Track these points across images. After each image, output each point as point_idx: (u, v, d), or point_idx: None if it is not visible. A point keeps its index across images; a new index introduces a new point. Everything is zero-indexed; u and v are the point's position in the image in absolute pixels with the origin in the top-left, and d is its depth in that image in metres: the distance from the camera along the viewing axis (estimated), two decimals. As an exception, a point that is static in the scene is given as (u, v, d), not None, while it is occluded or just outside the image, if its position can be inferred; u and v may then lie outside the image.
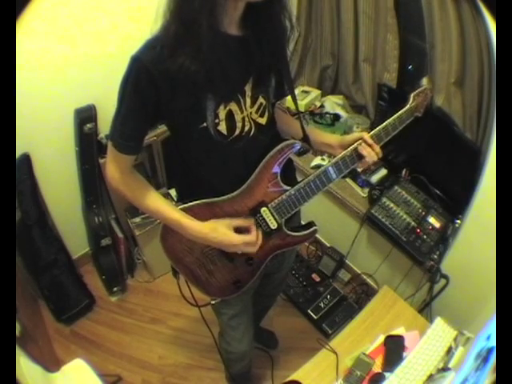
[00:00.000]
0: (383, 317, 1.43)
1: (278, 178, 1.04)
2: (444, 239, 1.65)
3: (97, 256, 2.22)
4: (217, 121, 0.93)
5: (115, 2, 1.77)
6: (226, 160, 1.01)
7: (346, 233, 2.03)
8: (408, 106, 1.12)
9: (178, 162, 1.10)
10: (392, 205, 1.75)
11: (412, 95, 1.14)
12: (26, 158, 1.86)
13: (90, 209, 2.11)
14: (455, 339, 1.26)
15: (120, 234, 2.19)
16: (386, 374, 1.21)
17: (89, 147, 1.96)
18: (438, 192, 1.75)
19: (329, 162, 1.06)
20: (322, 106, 2.24)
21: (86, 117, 1.90)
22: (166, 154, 2.13)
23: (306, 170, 1.92)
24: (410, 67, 1.97)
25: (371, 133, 1.07)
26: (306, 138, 1.12)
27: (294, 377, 1.28)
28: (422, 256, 1.62)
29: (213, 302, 1.23)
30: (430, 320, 1.51)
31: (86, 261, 2.35)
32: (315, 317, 2.04)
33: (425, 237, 1.66)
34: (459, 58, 1.60)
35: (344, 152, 1.05)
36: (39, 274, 2.02)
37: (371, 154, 1.06)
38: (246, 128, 0.99)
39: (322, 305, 2.07)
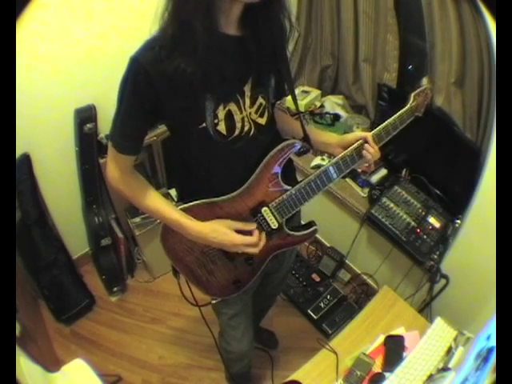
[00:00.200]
0: (383, 317, 1.43)
1: (279, 177, 1.04)
2: (444, 239, 1.65)
3: (97, 256, 2.22)
4: (216, 121, 0.93)
5: (115, 2, 1.77)
6: (226, 160, 1.01)
7: (346, 233, 2.03)
8: (408, 105, 1.12)
9: (177, 162, 1.11)
10: (392, 205, 1.75)
11: (412, 95, 1.14)
12: (26, 158, 1.86)
13: (90, 209, 2.12)
14: (455, 339, 1.26)
15: (120, 234, 2.19)
16: (386, 374, 1.20)
17: (89, 147, 1.96)
18: (438, 192, 1.75)
19: (329, 161, 1.06)
20: (322, 106, 2.24)
21: (85, 117, 1.90)
22: (166, 154, 2.13)
23: (306, 170, 1.92)
24: (410, 67, 1.97)
25: (372, 132, 1.07)
26: (306, 138, 1.12)
27: (293, 377, 1.28)
28: (422, 256, 1.62)
29: (213, 302, 1.23)
30: (430, 320, 1.51)
31: (86, 261, 2.35)
32: (315, 317, 2.04)
33: (425, 237, 1.66)
34: (459, 58, 1.60)
35: (344, 152, 1.05)
36: (39, 273, 2.02)
37: (372, 154, 1.06)
38: (246, 128, 0.99)
39: (322, 305, 2.07)
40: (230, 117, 0.95)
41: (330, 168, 1.04)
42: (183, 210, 1.03)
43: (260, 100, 1.00)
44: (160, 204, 1.02)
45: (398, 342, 1.31)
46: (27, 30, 1.58)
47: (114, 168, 0.99)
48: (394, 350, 1.29)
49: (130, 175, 1.02)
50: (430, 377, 1.16)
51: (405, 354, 1.26)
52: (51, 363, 1.77)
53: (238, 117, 0.96)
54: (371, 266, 2.06)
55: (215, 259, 1.11)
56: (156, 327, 2.15)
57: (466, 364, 1.04)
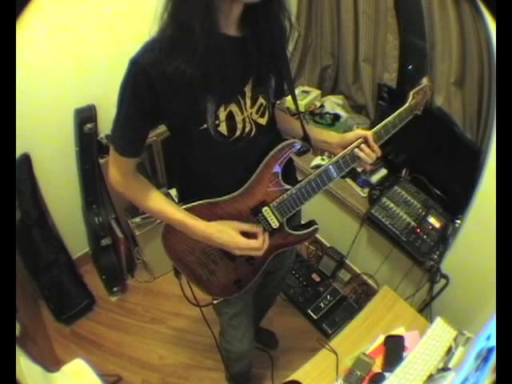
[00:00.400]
0: (383, 317, 1.43)
1: (279, 177, 1.04)
2: (444, 239, 1.65)
3: (97, 256, 2.22)
4: (217, 122, 0.93)
5: (116, 2, 1.77)
6: (226, 160, 1.01)
7: (346, 233, 2.03)
8: (407, 104, 1.12)
9: (178, 162, 1.11)
10: (392, 205, 1.75)
11: (411, 93, 1.13)
12: (26, 158, 1.86)
13: (90, 209, 2.12)
14: (455, 339, 1.26)
15: (120, 234, 2.19)
16: (386, 374, 1.21)
17: (89, 147, 1.96)
18: (438, 192, 1.75)
19: (329, 161, 1.06)
20: (322, 106, 2.24)
21: (85, 117, 1.90)
22: (166, 154, 2.13)
23: (306, 170, 1.92)
24: (410, 67, 1.97)
25: (372, 131, 1.07)
26: (306, 138, 1.12)
27: (293, 377, 1.28)
28: (422, 256, 1.62)
29: (214, 302, 1.23)
30: (430, 320, 1.51)
31: (86, 261, 2.35)
32: (315, 317, 2.04)
33: (425, 237, 1.66)
34: (459, 58, 1.60)
35: (344, 151, 1.05)
36: (39, 273, 2.02)
37: (371, 154, 1.06)
38: (247, 129, 0.99)
39: (322, 305, 2.07)
40: (231, 117, 0.95)
41: (331, 167, 1.04)
42: (184, 210, 1.03)
43: (260, 100, 1.00)
44: (163, 205, 1.02)
45: (398, 342, 1.31)
46: (27, 29, 1.58)
47: (116, 171, 0.99)
48: (394, 349, 1.29)
49: (132, 178, 1.01)
50: (430, 377, 1.16)
51: (405, 354, 1.27)
52: (51, 363, 1.77)
53: (239, 117, 0.96)
54: (371, 266, 2.06)
55: (216, 259, 1.11)
56: (156, 327, 2.15)
57: (465, 364, 1.04)
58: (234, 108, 0.94)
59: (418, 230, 1.67)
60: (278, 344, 2.03)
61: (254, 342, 1.53)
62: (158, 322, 2.17)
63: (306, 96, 2.26)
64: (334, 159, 1.05)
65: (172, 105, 0.90)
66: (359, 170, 1.94)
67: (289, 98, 1.91)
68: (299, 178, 1.08)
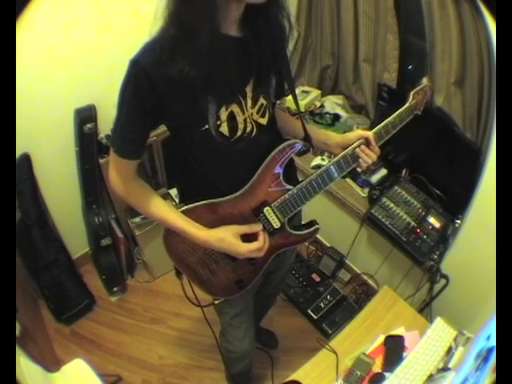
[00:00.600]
0: (383, 317, 1.43)
1: (281, 177, 1.03)
2: (444, 239, 1.65)
3: (97, 256, 2.22)
4: (218, 122, 0.93)
5: (116, 2, 1.77)
6: (227, 161, 1.01)
7: (346, 233, 2.03)
8: (408, 104, 1.12)
9: (178, 163, 1.10)
10: (392, 205, 1.75)
11: (412, 93, 1.13)
12: (26, 158, 1.86)
13: (90, 209, 2.12)
14: (455, 339, 1.26)
15: (120, 234, 2.19)
16: (386, 374, 1.21)
17: (89, 147, 1.96)
18: (438, 192, 1.75)
19: (329, 161, 1.06)
20: (322, 106, 2.24)
21: (85, 117, 1.90)
22: (166, 154, 2.13)
23: (306, 170, 1.92)
24: (410, 67, 1.97)
25: (372, 131, 1.07)
26: (307, 138, 1.12)
27: (293, 377, 1.28)
28: (422, 256, 1.62)
29: (216, 302, 1.23)
30: (430, 320, 1.51)
31: (86, 261, 2.35)
32: (315, 317, 2.04)
33: (425, 237, 1.66)
34: (459, 58, 1.60)
35: (345, 151, 1.05)
36: (39, 273, 2.02)
37: (371, 155, 1.06)
38: (248, 129, 0.99)
39: (322, 305, 2.07)
40: (232, 118, 0.95)
41: (332, 167, 1.04)
42: (185, 211, 1.02)
43: (261, 100, 1.00)
44: (164, 211, 1.01)
45: (398, 342, 1.31)
46: (27, 29, 1.58)
47: (117, 174, 0.98)
48: (394, 349, 1.29)
49: (133, 182, 1.01)
50: (430, 377, 1.16)
51: (405, 354, 1.26)
52: (51, 363, 1.77)
53: (240, 118, 0.96)
54: (371, 265, 2.06)
55: (218, 259, 1.12)
56: (156, 327, 2.15)
57: (465, 364, 1.04)
58: (235, 108, 0.94)
59: (418, 230, 1.67)
60: (277, 344, 2.03)
61: (254, 342, 1.54)
62: (158, 321, 2.17)
63: (305, 96, 2.26)
64: (335, 159, 1.05)
65: (173, 106, 0.90)
66: (359, 169, 1.93)
67: (289, 98, 1.91)
68: (299, 179, 1.09)
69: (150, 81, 0.84)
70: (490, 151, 1.35)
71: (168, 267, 2.12)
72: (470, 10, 1.46)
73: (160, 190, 2.21)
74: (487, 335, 1.01)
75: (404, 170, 1.88)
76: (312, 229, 1.15)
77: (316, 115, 2.19)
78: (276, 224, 1.07)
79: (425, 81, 1.18)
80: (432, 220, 1.69)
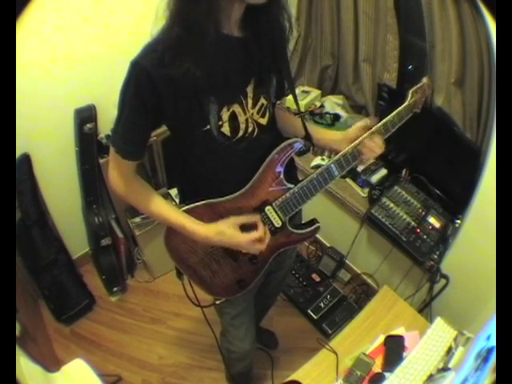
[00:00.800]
0: (383, 317, 1.43)
1: (282, 176, 1.04)
2: (444, 239, 1.65)
3: (97, 256, 2.22)
4: (220, 123, 0.93)
5: (116, 2, 1.77)
6: (229, 161, 1.01)
7: (346, 233, 2.03)
8: (407, 102, 1.11)
9: (179, 163, 1.10)
10: (392, 205, 1.75)
11: (410, 91, 1.13)
12: (26, 158, 1.86)
13: (90, 209, 2.12)
14: (455, 339, 1.26)
15: (120, 234, 2.19)
16: (386, 374, 1.20)
17: (89, 147, 1.96)
18: (438, 192, 1.75)
19: (330, 160, 1.06)
20: (322, 106, 2.24)
21: (85, 117, 1.90)
22: (166, 154, 2.13)
23: (306, 170, 1.92)
24: (410, 67, 1.96)
25: (372, 129, 1.07)
26: (308, 136, 1.12)
27: (293, 377, 1.28)
28: (422, 256, 1.62)
29: (217, 302, 1.23)
30: (430, 320, 1.51)
31: (86, 261, 2.35)
32: (315, 317, 2.04)
33: (425, 237, 1.66)
34: (459, 58, 1.60)
35: (346, 149, 1.05)
36: (39, 273, 2.02)
37: (375, 148, 1.05)
38: (250, 129, 0.99)
39: (322, 305, 2.07)
40: (234, 118, 0.95)
41: (332, 165, 1.05)
42: (186, 211, 1.03)
43: (262, 100, 1.00)
44: (164, 208, 1.01)
45: (398, 342, 1.31)
46: (27, 29, 1.58)
47: (117, 174, 0.98)
48: (394, 349, 1.28)
49: (133, 181, 1.01)
50: (430, 377, 1.16)
51: (405, 354, 1.26)
52: (51, 363, 1.77)
53: (242, 118, 0.96)
54: (371, 265, 2.06)
55: (219, 259, 1.12)
56: (156, 327, 2.15)
57: (465, 364, 1.04)
58: (236, 109, 0.94)
59: (418, 230, 1.67)
60: (277, 344, 2.03)
61: (255, 342, 1.54)
62: (158, 322, 2.17)
63: (306, 96, 2.26)
64: (336, 157, 1.05)
65: (175, 106, 0.89)
66: (362, 165, 1.93)
67: (289, 97, 1.91)
68: (300, 179, 1.09)
69: (151, 82, 0.84)
70: (490, 151, 1.35)
71: (168, 267, 2.12)
72: (470, 9, 1.46)
73: (160, 190, 2.21)
74: (487, 335, 1.01)
75: (404, 170, 1.88)
76: (313, 227, 1.15)
77: (316, 115, 2.19)
78: (277, 223, 1.07)
79: (425, 80, 1.17)
80: (432, 220, 1.69)
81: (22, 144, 1.82)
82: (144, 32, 0.87)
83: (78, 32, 1.74)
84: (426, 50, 1.74)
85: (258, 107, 0.99)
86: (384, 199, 1.76)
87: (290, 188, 1.05)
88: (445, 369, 1.16)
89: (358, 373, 1.22)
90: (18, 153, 1.83)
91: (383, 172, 1.95)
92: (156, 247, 2.10)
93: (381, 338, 1.33)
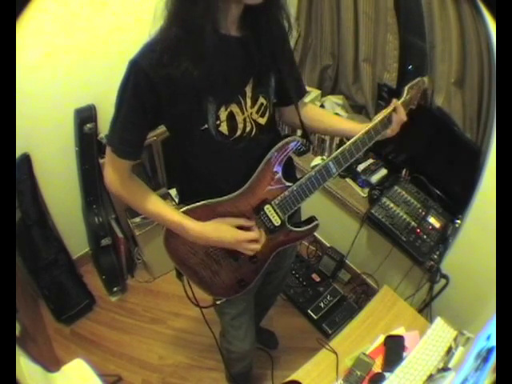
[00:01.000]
0: (383, 317, 1.43)
1: (280, 175, 1.04)
2: (444, 239, 1.65)
3: (97, 256, 2.22)
4: (218, 122, 0.93)
5: (116, 2, 1.77)
6: (227, 160, 1.01)
7: (346, 233, 2.03)
8: (402, 98, 1.11)
9: (178, 162, 1.11)
10: (392, 205, 1.75)
11: (406, 88, 1.13)
12: (26, 158, 1.86)
13: (90, 209, 2.11)
14: (455, 339, 1.26)
15: (120, 234, 2.19)
16: (386, 374, 1.21)
17: (89, 147, 1.96)
18: (438, 192, 1.75)
19: (328, 158, 1.06)
20: (322, 106, 2.24)
21: (85, 117, 1.90)
22: (166, 154, 2.13)
23: (306, 170, 1.92)
24: (410, 67, 1.96)
25: (369, 126, 1.06)
26: (306, 135, 1.12)
27: (294, 377, 1.28)
28: (422, 256, 1.62)
29: (218, 302, 1.23)
30: (430, 320, 1.51)
31: (86, 261, 2.35)
32: (315, 317, 2.04)
33: (425, 237, 1.66)
34: (459, 58, 1.60)
35: (343, 146, 1.05)
36: (39, 273, 2.02)
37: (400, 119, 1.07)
38: (248, 129, 0.99)
39: (322, 305, 2.07)
40: (231, 118, 0.95)
41: (330, 163, 1.05)
42: (186, 211, 1.02)
43: (261, 100, 1.00)
44: (160, 207, 1.01)
45: (398, 341, 1.31)
46: (27, 30, 1.58)
47: (113, 172, 0.98)
48: (394, 349, 1.29)
49: (129, 179, 1.01)
50: (430, 377, 1.16)
51: (405, 354, 1.26)
52: (51, 363, 1.77)
53: (239, 117, 0.96)
54: (371, 265, 2.06)
55: (219, 259, 1.12)
56: (156, 327, 2.15)
57: (465, 364, 1.04)
58: (234, 108, 0.94)
59: (418, 230, 1.67)
60: (277, 344, 2.03)
61: (255, 342, 1.54)
62: (158, 322, 2.17)
63: (305, 96, 2.25)
64: (334, 155, 1.05)
65: (173, 106, 0.90)
66: (359, 169, 1.93)
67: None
68: (299, 177, 1.09)
69: (149, 82, 0.84)
70: (490, 151, 1.35)
71: (168, 267, 2.12)
72: (470, 10, 1.46)
73: (160, 190, 2.21)
74: (487, 335, 1.01)
75: (404, 170, 1.88)
76: (312, 225, 1.15)
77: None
78: (276, 221, 1.08)
79: (424, 79, 1.17)
80: (432, 220, 1.69)
81: (22, 144, 1.82)
82: (143, 32, 0.87)
83: (78, 32, 1.74)
84: (425, 50, 1.74)
85: (257, 107, 0.99)
86: (384, 199, 1.76)
87: (289, 186, 1.05)
88: (445, 369, 1.16)
89: (358, 373, 1.22)
90: (18, 153, 1.83)
91: (383, 172, 1.95)
92: (156, 247, 2.09)
93: (381, 338, 1.33)
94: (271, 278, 1.45)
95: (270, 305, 1.82)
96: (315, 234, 2.35)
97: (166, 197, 2.15)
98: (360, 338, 1.37)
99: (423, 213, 1.71)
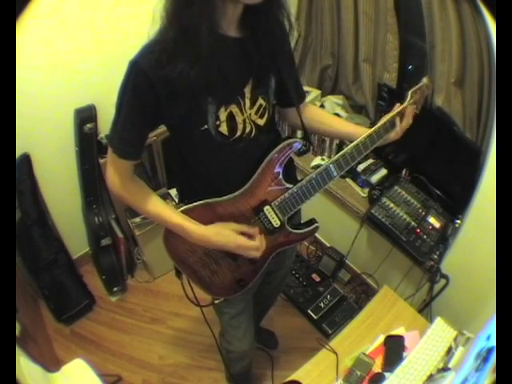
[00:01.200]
0: (383, 317, 1.43)
1: (280, 176, 1.04)
2: (444, 239, 1.65)
3: (97, 256, 2.22)
4: (218, 122, 0.93)
5: (116, 2, 1.77)
6: (227, 160, 1.01)
7: (346, 233, 2.03)
8: (406, 102, 1.11)
9: (178, 162, 1.11)
10: (392, 205, 1.75)
11: (410, 92, 1.13)
12: (26, 158, 1.86)
13: (90, 209, 2.12)
14: (455, 339, 1.26)
15: (120, 234, 2.19)
16: (386, 374, 1.21)
17: (89, 147, 1.96)
18: (438, 192, 1.75)
19: (329, 160, 1.06)
20: (322, 106, 2.24)
21: (85, 117, 1.90)
22: (166, 154, 2.13)
23: (306, 170, 1.92)
24: (410, 67, 1.96)
25: (371, 130, 1.06)
26: (306, 137, 1.12)
27: (293, 377, 1.28)
28: (422, 256, 1.62)
29: (216, 302, 1.23)
30: (430, 320, 1.51)
31: (86, 261, 2.35)
32: (315, 317, 2.04)
33: (425, 237, 1.66)
34: (459, 58, 1.60)
35: (345, 150, 1.05)
36: (39, 273, 2.02)
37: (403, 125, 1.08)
38: (247, 129, 0.99)
39: (322, 305, 2.07)
40: (231, 118, 0.95)
41: (331, 166, 1.05)
42: (185, 210, 1.03)
43: (260, 101, 1.00)
44: (162, 208, 1.01)
45: (398, 342, 1.31)
46: (27, 30, 1.58)
47: (114, 173, 0.98)
48: (394, 349, 1.29)
49: (131, 180, 1.01)
50: (430, 377, 1.16)
51: (405, 354, 1.27)
52: (51, 363, 1.77)
53: (239, 118, 0.96)
54: (371, 265, 2.06)
55: (218, 259, 1.12)
56: (156, 327, 2.15)
57: (465, 364, 1.04)
58: (234, 109, 0.94)
59: (418, 230, 1.67)
60: (277, 344, 2.03)
61: (254, 342, 1.54)
62: (158, 322, 2.17)
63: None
64: (335, 158, 1.05)
65: (172, 107, 0.90)
66: (359, 169, 1.94)
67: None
68: (299, 178, 1.09)
69: (149, 82, 0.84)
70: (490, 151, 1.35)
71: (168, 267, 2.12)
72: (470, 9, 1.46)
73: (160, 190, 2.21)
74: (487, 335, 1.01)
75: (404, 170, 1.88)
76: (311, 227, 1.15)
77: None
78: (276, 223, 1.08)
79: (425, 80, 1.17)
80: (432, 220, 1.69)
81: (22, 144, 1.82)
82: (143, 32, 0.87)
83: (78, 32, 1.74)
84: (425, 50, 1.74)
85: (256, 108, 0.99)
86: (384, 199, 1.76)
87: (289, 188, 1.05)
88: (445, 369, 1.16)
89: (358, 373, 1.22)
90: (18, 153, 1.83)
91: (383, 172, 1.95)
92: (156, 247, 2.10)
93: (381, 338, 1.33)
94: (271, 278, 1.45)
95: (269, 305, 1.82)
96: (315, 233, 2.35)
97: (166, 197, 2.15)
98: (360, 338, 1.37)
99: (423, 213, 1.71)
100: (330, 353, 1.33)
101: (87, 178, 2.03)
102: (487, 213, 1.34)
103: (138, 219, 2.07)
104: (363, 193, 1.92)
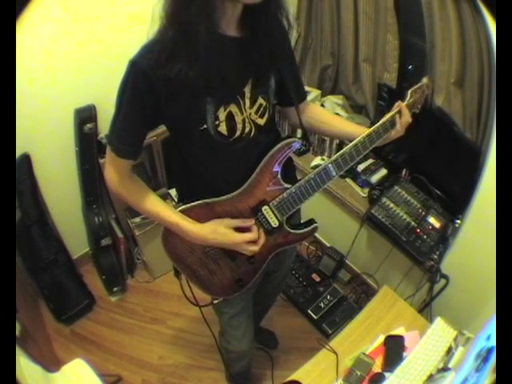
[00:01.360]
0: (383, 317, 1.43)
1: (279, 176, 1.04)
2: (444, 239, 1.65)
3: (97, 256, 2.22)
4: (217, 122, 0.93)
5: (116, 2, 1.77)
6: (226, 160, 1.01)
7: (346, 233, 2.03)
8: (405, 102, 1.11)
9: (178, 162, 1.11)
10: (392, 205, 1.75)
11: (409, 91, 1.13)
12: (26, 158, 1.86)
13: (90, 209, 2.12)
14: (455, 339, 1.26)
15: (120, 234, 2.19)
16: (386, 374, 1.21)
17: (89, 147, 1.96)
18: (438, 192, 1.75)
19: (328, 160, 1.06)
20: (322, 106, 2.24)
21: (85, 117, 1.90)
22: (166, 154, 2.13)
23: (306, 170, 1.92)
24: (410, 67, 1.96)
25: (371, 129, 1.06)
26: (306, 136, 1.12)
27: (293, 377, 1.28)
28: (422, 256, 1.62)
29: (215, 302, 1.23)
30: (430, 320, 1.51)
31: (86, 261, 2.35)
32: (315, 317, 2.04)
33: (425, 237, 1.66)
34: (459, 58, 1.60)
35: (343, 149, 1.05)
36: (39, 273, 2.02)
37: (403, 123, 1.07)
38: (247, 129, 0.99)
39: (322, 305, 2.07)
40: (230, 118, 0.95)
41: (330, 166, 1.04)
42: (184, 210, 1.03)
43: (260, 101, 1.00)
44: (159, 207, 1.02)
45: (398, 342, 1.31)
46: (27, 30, 1.58)
47: (113, 171, 0.99)
48: (394, 349, 1.29)
49: (129, 179, 1.01)
50: (430, 377, 1.16)
51: (405, 354, 1.26)
52: (51, 363, 1.77)
53: (238, 118, 0.96)
54: (371, 265, 2.06)
55: (217, 259, 1.12)
56: (156, 327, 2.15)
57: (465, 364, 1.04)
58: (233, 108, 0.94)
59: (418, 230, 1.67)
60: (277, 344, 2.03)
61: (253, 342, 1.54)
62: (158, 322, 2.17)
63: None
64: (333, 158, 1.05)
65: (172, 107, 0.90)
66: (359, 169, 1.94)
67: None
68: (299, 178, 1.08)
69: (148, 82, 0.84)
70: (490, 151, 1.35)
71: (168, 267, 2.11)
72: (470, 10, 1.46)
73: (160, 190, 2.21)
74: (487, 335, 1.01)
75: (404, 170, 1.88)
76: (310, 227, 1.15)
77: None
78: (274, 223, 1.08)
79: (425, 80, 1.17)
80: (432, 220, 1.69)
81: (22, 144, 1.82)
82: (143, 32, 0.87)
83: (78, 32, 1.74)
84: (425, 50, 1.74)
85: (255, 107, 0.99)
86: (384, 199, 1.76)
87: (288, 188, 1.05)
88: (445, 369, 1.16)
89: (358, 373, 1.22)
90: (18, 153, 1.83)
91: (383, 172, 1.95)
92: (156, 247, 2.09)
93: (381, 338, 1.33)
94: (271, 278, 1.45)
95: (269, 305, 1.82)
96: (315, 233, 2.36)
97: (165, 197, 2.15)
98: (360, 338, 1.37)
99: (423, 213, 1.71)
100: (330, 353, 1.33)
101: (87, 178, 2.03)
102: (487, 213, 1.34)
103: (138, 219, 2.07)
104: (363, 193, 1.92)
